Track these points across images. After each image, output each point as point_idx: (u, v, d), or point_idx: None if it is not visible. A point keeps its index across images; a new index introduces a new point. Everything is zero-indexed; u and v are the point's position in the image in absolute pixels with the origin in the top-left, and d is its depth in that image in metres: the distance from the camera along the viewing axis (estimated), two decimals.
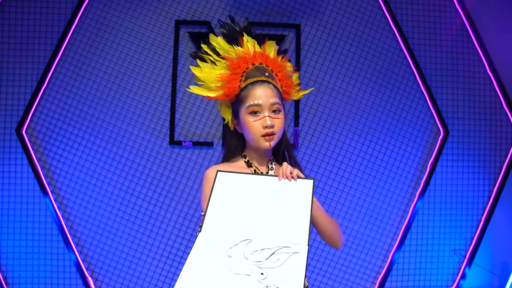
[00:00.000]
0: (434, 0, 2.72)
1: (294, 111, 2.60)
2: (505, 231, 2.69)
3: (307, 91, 1.22)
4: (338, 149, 2.63)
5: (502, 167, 2.75)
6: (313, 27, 2.65)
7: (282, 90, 1.11)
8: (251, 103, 1.05)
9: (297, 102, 2.59)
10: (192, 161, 2.54)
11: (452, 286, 2.70)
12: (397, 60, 2.69)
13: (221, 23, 1.16)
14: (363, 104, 2.67)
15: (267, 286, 0.80)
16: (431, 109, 2.68)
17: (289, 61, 1.21)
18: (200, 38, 2.54)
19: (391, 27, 2.68)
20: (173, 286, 2.60)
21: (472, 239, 2.72)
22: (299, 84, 1.21)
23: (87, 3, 2.54)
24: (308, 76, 2.63)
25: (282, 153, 1.16)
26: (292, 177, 0.96)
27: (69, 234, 2.50)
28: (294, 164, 1.14)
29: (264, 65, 1.10)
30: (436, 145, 2.69)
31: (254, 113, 1.06)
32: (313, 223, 1.02)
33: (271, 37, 2.60)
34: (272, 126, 1.05)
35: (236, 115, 1.11)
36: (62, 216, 2.50)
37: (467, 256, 2.70)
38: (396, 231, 2.66)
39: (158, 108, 2.55)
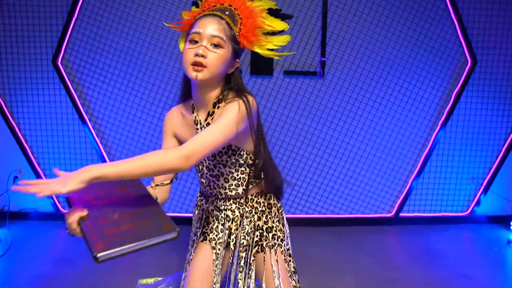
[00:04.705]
0: None
1: (321, 40, 2.60)
2: None
3: (279, 53, 1.11)
4: (363, 77, 2.66)
5: None
6: None
7: (239, 33, 1.04)
8: (193, 30, 1.01)
9: (324, 30, 2.58)
10: None
11: (466, 211, 2.84)
12: None
13: None
14: (390, 32, 2.64)
15: None
16: (460, 37, 2.64)
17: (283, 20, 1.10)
18: None
19: None
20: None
21: (491, 168, 2.80)
22: (280, 47, 1.10)
23: None
24: (335, 3, 2.59)
25: (236, 94, 1.05)
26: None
27: (108, 159, 2.70)
28: (241, 94, 1.05)
29: (232, 7, 1.06)
30: (462, 75, 2.68)
31: (194, 42, 1.00)
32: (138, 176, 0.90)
33: None
34: (203, 56, 0.98)
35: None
36: (100, 143, 2.69)
37: (484, 184, 2.80)
38: (416, 158, 2.76)
39: None
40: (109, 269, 2.09)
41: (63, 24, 2.58)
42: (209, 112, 1.08)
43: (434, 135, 2.72)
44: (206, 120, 1.09)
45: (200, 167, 1.17)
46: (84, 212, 0.88)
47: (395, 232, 2.73)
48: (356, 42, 2.63)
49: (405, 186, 2.77)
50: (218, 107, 1.07)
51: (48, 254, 2.30)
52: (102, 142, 2.70)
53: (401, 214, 2.79)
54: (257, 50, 1.08)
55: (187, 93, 1.14)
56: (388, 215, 2.80)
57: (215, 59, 1.00)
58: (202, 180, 1.20)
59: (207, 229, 1.21)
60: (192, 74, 1.00)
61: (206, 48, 0.99)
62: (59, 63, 2.59)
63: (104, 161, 2.68)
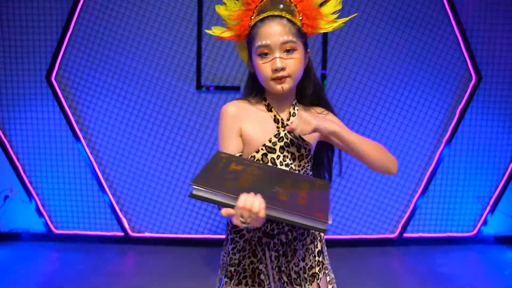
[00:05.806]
0: None
1: (322, 55, 2.54)
2: None
3: (344, 20, 1.01)
4: (365, 93, 2.59)
5: None
6: None
7: (302, 23, 0.96)
8: (259, 43, 0.93)
9: (324, 45, 2.52)
10: (219, 106, 2.56)
11: (473, 231, 2.75)
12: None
13: None
14: (392, 48, 2.58)
15: None
16: (463, 52, 2.57)
17: None
18: None
19: None
20: (199, 224, 2.67)
21: (497, 186, 2.71)
22: (338, 12, 1.01)
23: None
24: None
25: (312, 95, 1.04)
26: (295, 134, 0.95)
27: (102, 177, 2.62)
28: (324, 106, 1.06)
29: None
30: (466, 91, 2.61)
31: (264, 54, 0.94)
32: (357, 156, 0.97)
33: None
34: (283, 69, 0.93)
35: (250, 56, 0.99)
36: (94, 161, 2.61)
37: (491, 203, 2.71)
38: (420, 176, 2.67)
39: (184, 52, 2.54)
40: None
41: (57, 39, 2.52)
42: (290, 112, 1.03)
43: (438, 152, 2.64)
44: (288, 119, 1.02)
45: None
46: (258, 196, 0.76)
47: (399, 253, 2.62)
48: (358, 57, 2.57)
49: (409, 206, 2.68)
50: (297, 109, 1.03)
51: (38, 278, 2.20)
52: (97, 160, 2.62)
53: (405, 235, 2.70)
54: (324, 30, 1.01)
55: (253, 91, 1.04)
56: (392, 235, 2.71)
57: (294, 64, 0.95)
58: None
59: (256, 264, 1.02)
60: (277, 87, 0.95)
61: (282, 58, 0.93)
62: (53, 79, 2.53)
63: (98, 180, 2.59)
